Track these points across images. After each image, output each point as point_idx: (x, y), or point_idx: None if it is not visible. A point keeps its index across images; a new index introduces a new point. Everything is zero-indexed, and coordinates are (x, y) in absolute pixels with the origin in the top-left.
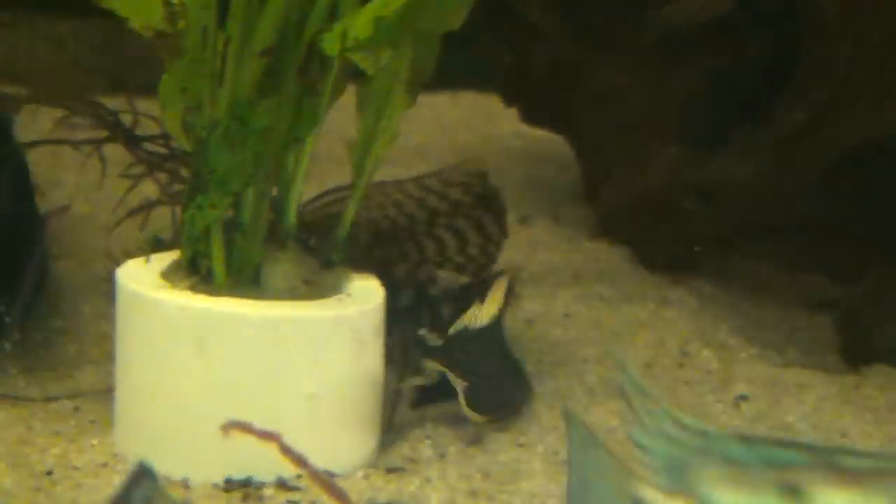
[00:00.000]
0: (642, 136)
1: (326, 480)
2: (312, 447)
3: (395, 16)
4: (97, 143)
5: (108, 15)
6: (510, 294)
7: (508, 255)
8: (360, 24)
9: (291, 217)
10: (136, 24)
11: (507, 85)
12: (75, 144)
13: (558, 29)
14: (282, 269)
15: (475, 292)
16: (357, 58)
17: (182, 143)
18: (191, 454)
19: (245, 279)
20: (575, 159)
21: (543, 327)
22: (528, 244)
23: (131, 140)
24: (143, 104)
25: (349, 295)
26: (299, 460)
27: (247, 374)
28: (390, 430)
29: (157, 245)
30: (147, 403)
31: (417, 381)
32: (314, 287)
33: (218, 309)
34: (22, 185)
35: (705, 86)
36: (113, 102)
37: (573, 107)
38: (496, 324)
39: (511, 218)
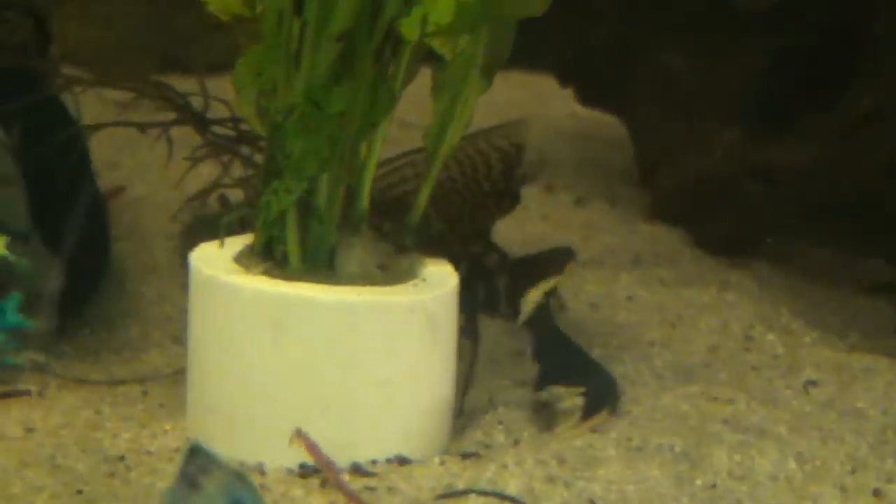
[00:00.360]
0: (702, 118)
1: None
2: (387, 433)
3: (477, 1)
4: (165, 126)
5: None
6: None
7: (565, 237)
8: (441, 10)
9: (364, 201)
10: (213, 7)
11: (563, 65)
12: (142, 127)
13: (617, 9)
14: (356, 253)
15: (531, 268)
16: (435, 43)
17: (256, 127)
18: (266, 440)
19: (319, 264)
20: (630, 140)
21: (607, 311)
22: (586, 226)
23: (201, 122)
24: (191, 83)
25: (423, 280)
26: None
27: (322, 359)
28: (461, 414)
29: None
30: (221, 388)
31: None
32: (389, 272)
33: (294, 294)
34: (84, 168)
35: (768, 67)
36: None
37: (630, 88)
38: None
39: (567, 199)
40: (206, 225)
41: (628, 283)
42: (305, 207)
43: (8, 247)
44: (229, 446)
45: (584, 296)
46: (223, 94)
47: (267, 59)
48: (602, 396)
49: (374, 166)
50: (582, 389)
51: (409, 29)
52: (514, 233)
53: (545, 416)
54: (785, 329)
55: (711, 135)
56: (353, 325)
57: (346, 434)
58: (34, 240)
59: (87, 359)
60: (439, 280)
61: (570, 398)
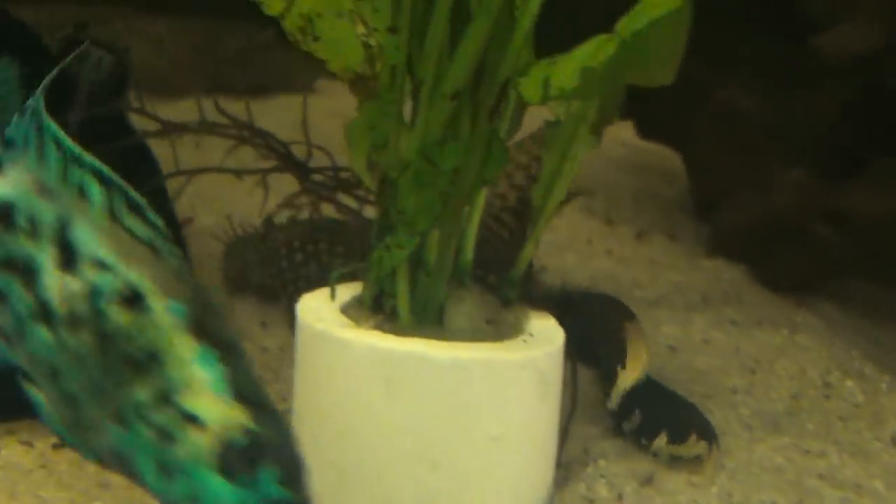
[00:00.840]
0: (766, 157)
1: None
2: (497, 488)
3: (603, 68)
4: (265, 172)
5: (206, 15)
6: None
7: (631, 274)
8: (565, 74)
9: (468, 255)
10: (334, 67)
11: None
12: (239, 173)
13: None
14: (465, 308)
15: (583, 305)
16: (550, 103)
17: (366, 181)
18: (376, 494)
19: (429, 319)
20: (686, 173)
21: (686, 355)
22: (650, 263)
23: (302, 170)
24: (239, 106)
25: (531, 335)
26: None
27: (435, 415)
28: (559, 466)
29: None
30: (330, 442)
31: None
32: (497, 327)
33: (408, 350)
34: (164, 207)
35: (838, 111)
36: (210, 103)
37: (691, 124)
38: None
39: (628, 233)
40: (248, 244)
41: (702, 324)
42: (415, 262)
43: (254, 419)
44: (338, 501)
45: (661, 338)
46: (267, 116)
47: (379, 114)
48: (707, 432)
49: (478, 220)
50: (693, 436)
51: (531, 91)
52: (582, 269)
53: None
54: (859, 374)
55: (777, 175)
56: (466, 383)
57: (457, 489)
58: (272, 408)
59: None
60: (547, 336)
61: (694, 445)
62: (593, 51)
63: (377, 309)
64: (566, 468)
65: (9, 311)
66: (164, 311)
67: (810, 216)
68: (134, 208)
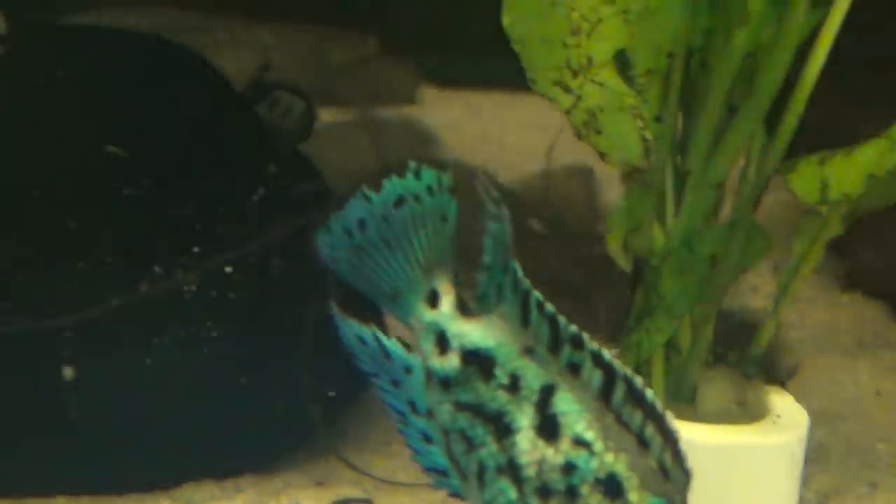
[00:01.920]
0: None
1: None
2: None
3: (890, 176)
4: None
5: (314, 23)
6: None
7: (781, 313)
8: (849, 179)
9: (710, 335)
10: (613, 159)
11: None
12: None
13: (826, 94)
14: (715, 389)
15: None
16: None
17: (621, 263)
18: None
19: (681, 400)
20: None
21: (865, 408)
22: (795, 299)
23: None
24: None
25: (779, 416)
26: None
27: (698, 495)
28: None
29: None
30: None
31: None
32: (745, 408)
33: None
34: None
35: None
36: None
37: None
38: None
39: (764, 266)
40: None
41: (868, 372)
42: (668, 344)
43: None
44: None
45: (836, 389)
46: None
47: (638, 199)
48: None
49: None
50: None
51: (806, 192)
52: (736, 311)
53: None
54: None
55: None
56: (728, 466)
57: None
58: None
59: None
60: (794, 418)
61: None
62: (876, 157)
63: None
64: None
65: (472, 455)
66: None
67: None
68: (633, 398)
